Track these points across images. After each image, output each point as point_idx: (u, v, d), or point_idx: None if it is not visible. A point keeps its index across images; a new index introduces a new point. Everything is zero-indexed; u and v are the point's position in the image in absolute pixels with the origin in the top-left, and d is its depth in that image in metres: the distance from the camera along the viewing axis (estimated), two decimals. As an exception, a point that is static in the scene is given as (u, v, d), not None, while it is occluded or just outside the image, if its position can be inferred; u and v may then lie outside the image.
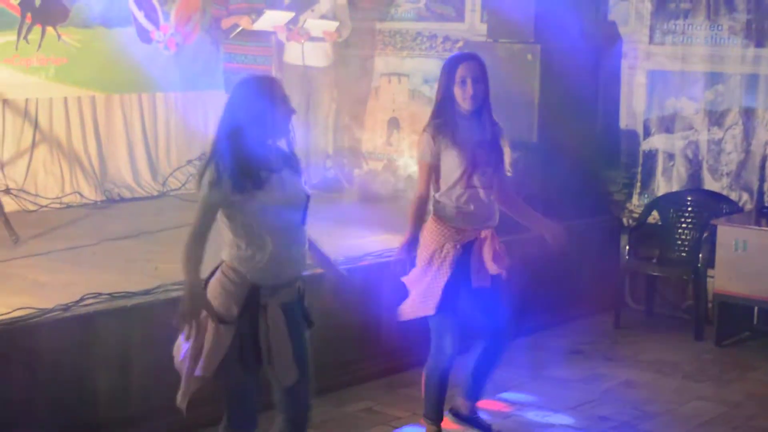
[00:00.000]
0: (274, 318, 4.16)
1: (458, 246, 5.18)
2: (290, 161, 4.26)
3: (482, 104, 5.16)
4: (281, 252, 4.17)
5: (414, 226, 5.23)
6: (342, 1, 9.06)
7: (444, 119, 5.15)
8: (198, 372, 4.14)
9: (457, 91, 5.11)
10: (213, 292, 4.17)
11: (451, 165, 5.14)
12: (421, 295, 5.20)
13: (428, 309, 5.18)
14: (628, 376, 6.74)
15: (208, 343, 4.12)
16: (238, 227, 4.15)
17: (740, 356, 7.21)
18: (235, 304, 4.14)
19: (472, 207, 5.19)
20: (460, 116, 5.16)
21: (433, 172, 5.21)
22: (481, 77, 5.13)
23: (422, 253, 5.22)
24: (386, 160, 9.67)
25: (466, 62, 5.14)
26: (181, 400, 4.20)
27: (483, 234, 5.21)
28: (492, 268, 5.22)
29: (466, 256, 5.19)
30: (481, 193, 5.18)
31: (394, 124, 9.69)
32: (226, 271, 4.17)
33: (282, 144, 4.26)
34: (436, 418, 5.43)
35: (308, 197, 4.27)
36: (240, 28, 8.61)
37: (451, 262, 5.16)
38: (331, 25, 8.84)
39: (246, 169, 4.09)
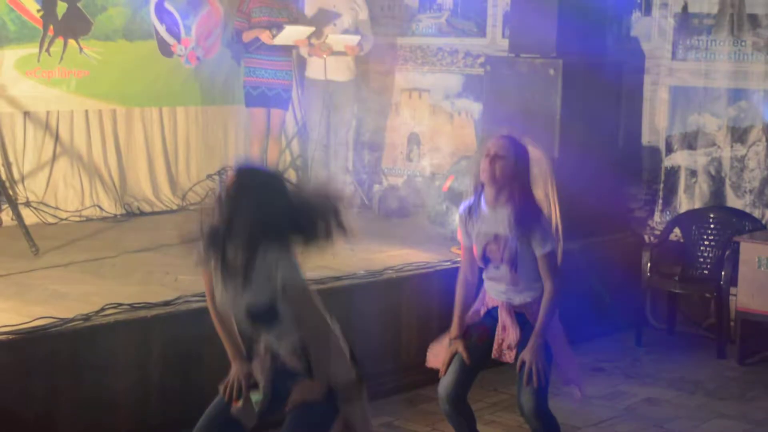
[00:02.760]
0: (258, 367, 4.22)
1: (485, 307, 5.10)
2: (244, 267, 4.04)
3: (503, 182, 4.91)
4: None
5: (457, 313, 5.10)
6: (364, 15, 9.06)
7: (472, 200, 5.05)
8: None
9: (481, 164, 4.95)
10: None
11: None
12: None
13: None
14: (650, 394, 6.69)
15: None
16: None
17: (763, 374, 7.15)
18: None
19: (492, 276, 5.06)
20: (486, 199, 4.99)
21: (468, 252, 5.10)
22: (506, 155, 4.87)
23: None
24: (406, 175, 9.65)
25: (496, 139, 4.95)
26: None
27: (499, 303, 5.06)
28: (501, 348, 5.03)
29: (490, 320, 5.08)
30: (502, 268, 5.00)
31: (414, 139, 9.67)
32: None
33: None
34: None
35: (252, 307, 4.05)
36: (260, 42, 8.61)
37: (474, 315, 5.11)
38: (353, 40, 8.83)
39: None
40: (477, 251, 5.03)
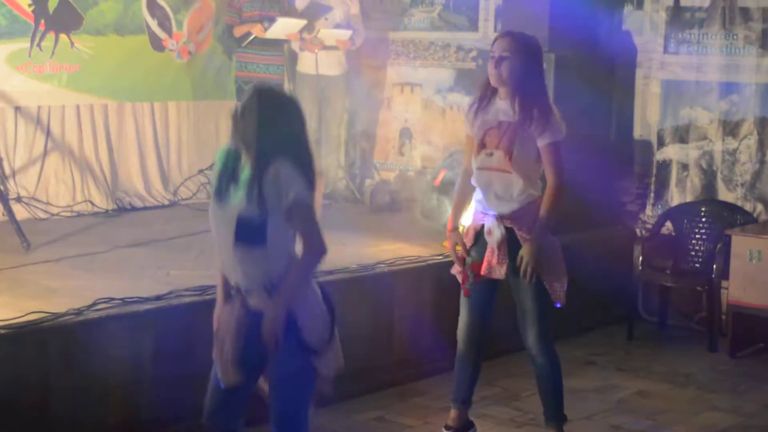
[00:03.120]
0: (228, 313, 4.15)
1: (476, 226, 5.18)
2: (253, 176, 4.03)
3: (510, 82, 4.99)
4: (226, 264, 4.16)
5: (454, 204, 5.28)
6: (355, 10, 9.05)
7: (480, 94, 5.11)
8: None
9: (488, 69, 5.06)
10: None
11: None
12: None
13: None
14: (642, 387, 6.70)
15: None
16: None
17: (755, 367, 7.16)
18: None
19: (481, 186, 5.13)
20: (497, 94, 5.07)
21: (470, 143, 5.18)
22: (509, 55, 4.96)
23: None
24: (398, 170, 9.65)
25: (498, 39, 5.06)
26: None
27: (486, 221, 5.12)
28: (488, 267, 5.12)
29: (479, 254, 5.17)
30: (493, 174, 5.05)
31: (406, 134, 9.66)
32: None
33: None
34: (453, 400, 5.46)
35: (243, 218, 3.99)
36: (252, 36, 8.59)
37: (470, 239, 5.20)
38: (345, 34, 8.83)
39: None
40: (476, 139, 5.03)
